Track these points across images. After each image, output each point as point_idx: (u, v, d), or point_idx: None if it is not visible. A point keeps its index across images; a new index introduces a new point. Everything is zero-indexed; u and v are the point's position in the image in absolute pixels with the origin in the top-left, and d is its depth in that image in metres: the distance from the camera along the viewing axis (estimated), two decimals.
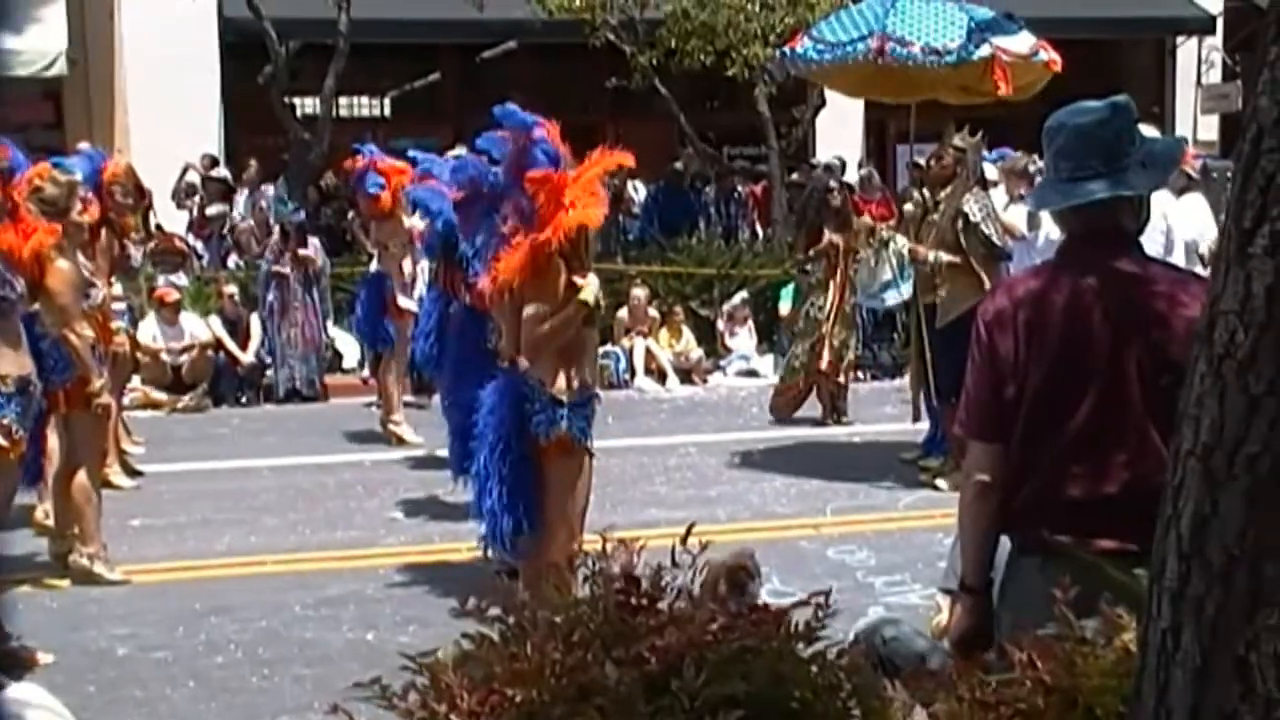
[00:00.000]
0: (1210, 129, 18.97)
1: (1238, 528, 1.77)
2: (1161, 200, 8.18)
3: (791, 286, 12.62)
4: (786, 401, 10.70)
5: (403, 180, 9.19)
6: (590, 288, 5.06)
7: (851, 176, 15.19)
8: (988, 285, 8.00)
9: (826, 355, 10.33)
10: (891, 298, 9.57)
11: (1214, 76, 19.11)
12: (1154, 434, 2.93)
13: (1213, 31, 18.89)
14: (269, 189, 14.93)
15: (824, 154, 16.55)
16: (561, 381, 5.09)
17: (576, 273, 5.06)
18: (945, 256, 8.29)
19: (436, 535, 7.55)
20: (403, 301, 9.88)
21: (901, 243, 8.94)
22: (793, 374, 10.61)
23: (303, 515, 8.14)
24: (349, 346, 12.87)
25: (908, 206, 9.17)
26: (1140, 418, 2.97)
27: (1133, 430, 2.98)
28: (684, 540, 3.57)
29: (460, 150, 9.79)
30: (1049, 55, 8.99)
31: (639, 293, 13.09)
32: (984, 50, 8.61)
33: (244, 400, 12.19)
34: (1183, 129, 18.75)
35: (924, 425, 9.09)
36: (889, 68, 8.79)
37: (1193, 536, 1.82)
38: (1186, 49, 19.32)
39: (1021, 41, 8.89)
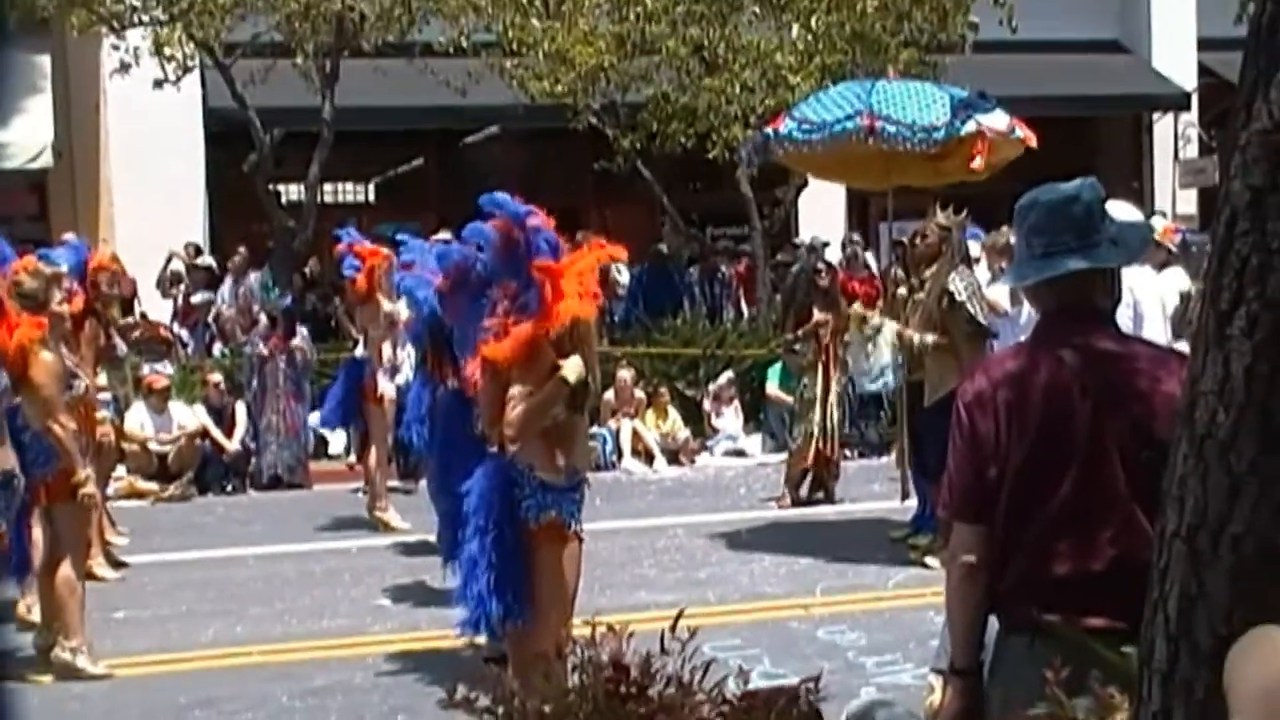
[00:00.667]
0: (1189, 203, 19.16)
1: (1224, 609, 1.77)
2: (1130, 276, 8.27)
3: (778, 366, 12.67)
4: (796, 481, 10.65)
5: (379, 263, 9.26)
6: (571, 367, 5.07)
7: (836, 255, 15.29)
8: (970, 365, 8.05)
9: (821, 435, 10.33)
10: (887, 380, 9.57)
11: (1191, 151, 19.35)
12: (1138, 510, 2.93)
13: (1188, 108, 19.14)
14: (254, 276, 14.97)
15: (806, 233, 16.66)
16: (551, 465, 5.08)
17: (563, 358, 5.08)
18: (930, 339, 8.32)
19: (425, 622, 7.48)
20: (383, 385, 9.88)
21: (893, 328, 8.96)
22: (796, 454, 10.59)
23: (289, 604, 8.07)
24: (334, 432, 12.85)
25: (901, 290, 9.20)
26: (1123, 494, 2.98)
27: (1116, 507, 2.98)
28: (673, 627, 3.55)
29: (445, 235, 9.87)
30: (1025, 132, 9.14)
31: (625, 374, 13.11)
32: (970, 126, 8.75)
33: (229, 488, 12.14)
34: (1162, 203, 18.93)
35: (913, 503, 9.07)
36: (864, 151, 8.90)
37: (1180, 618, 1.82)
38: (1163, 124, 19.56)
39: (999, 119, 9.02)
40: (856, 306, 10.41)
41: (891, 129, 8.64)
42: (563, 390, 5.06)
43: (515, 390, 5.02)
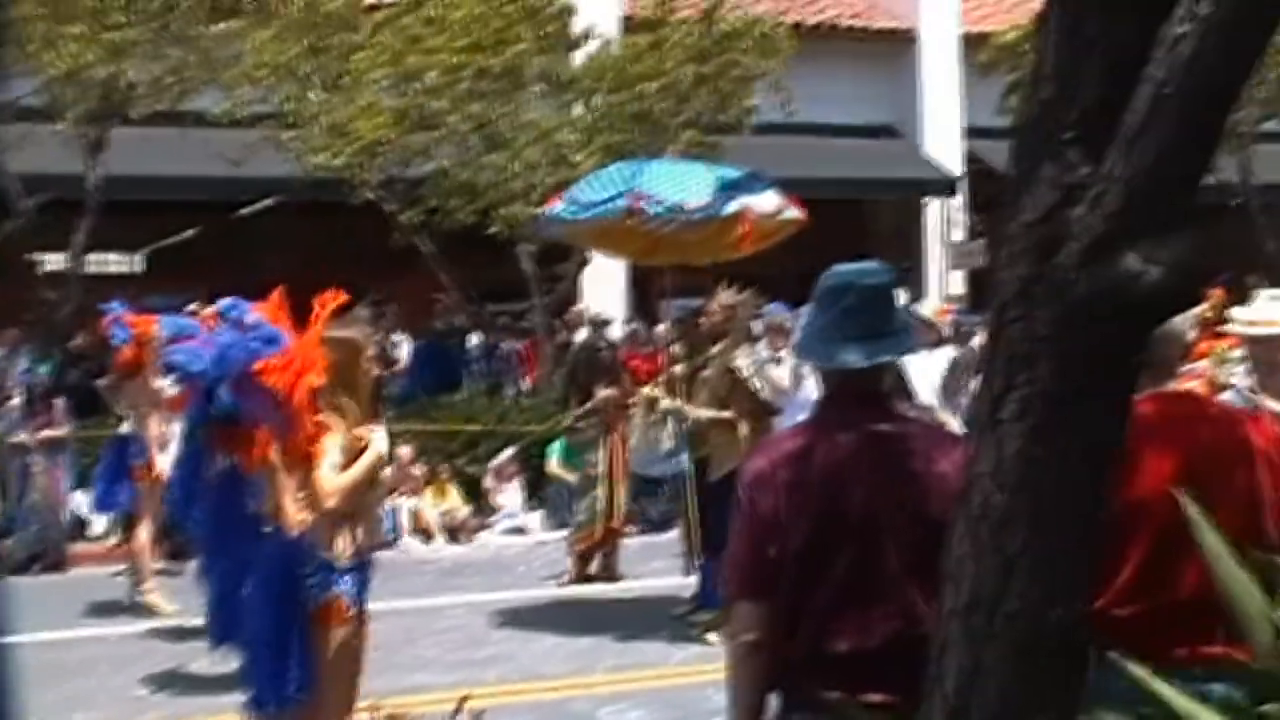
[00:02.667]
0: (958, 285, 19.97)
1: (1000, 684, 1.81)
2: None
3: (560, 442, 12.65)
4: (584, 557, 10.58)
5: (149, 332, 8.95)
6: (379, 438, 4.99)
7: (618, 332, 15.43)
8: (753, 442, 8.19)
9: (606, 510, 10.33)
10: (674, 467, 9.65)
11: (959, 235, 20.18)
12: (912, 588, 3.00)
13: (955, 192, 20.00)
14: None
15: (589, 309, 16.79)
16: (338, 544, 4.95)
17: (358, 421, 4.98)
18: (706, 414, 8.44)
19: (191, 711, 7.16)
20: (149, 461, 9.52)
21: (676, 406, 9.03)
22: (580, 530, 10.52)
23: (43, 696, 7.62)
24: (97, 513, 12.28)
25: (678, 368, 9.31)
26: (899, 573, 3.05)
27: (892, 585, 3.05)
28: (456, 711, 3.47)
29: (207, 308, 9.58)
30: (796, 213, 9.33)
31: (404, 451, 12.90)
32: (732, 207, 8.82)
33: None
34: (933, 285, 19.71)
35: (695, 579, 9.13)
36: (640, 229, 9.01)
37: (958, 694, 1.85)
38: (933, 208, 20.38)
39: (768, 200, 9.21)
40: (647, 390, 10.49)
41: (655, 209, 8.73)
42: (381, 460, 4.97)
43: (327, 461, 4.88)
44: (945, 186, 19.89)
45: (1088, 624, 1.88)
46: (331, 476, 4.89)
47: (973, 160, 19.51)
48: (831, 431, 3.16)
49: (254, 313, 4.93)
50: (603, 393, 10.38)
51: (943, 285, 19.81)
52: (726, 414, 8.43)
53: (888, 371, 3.25)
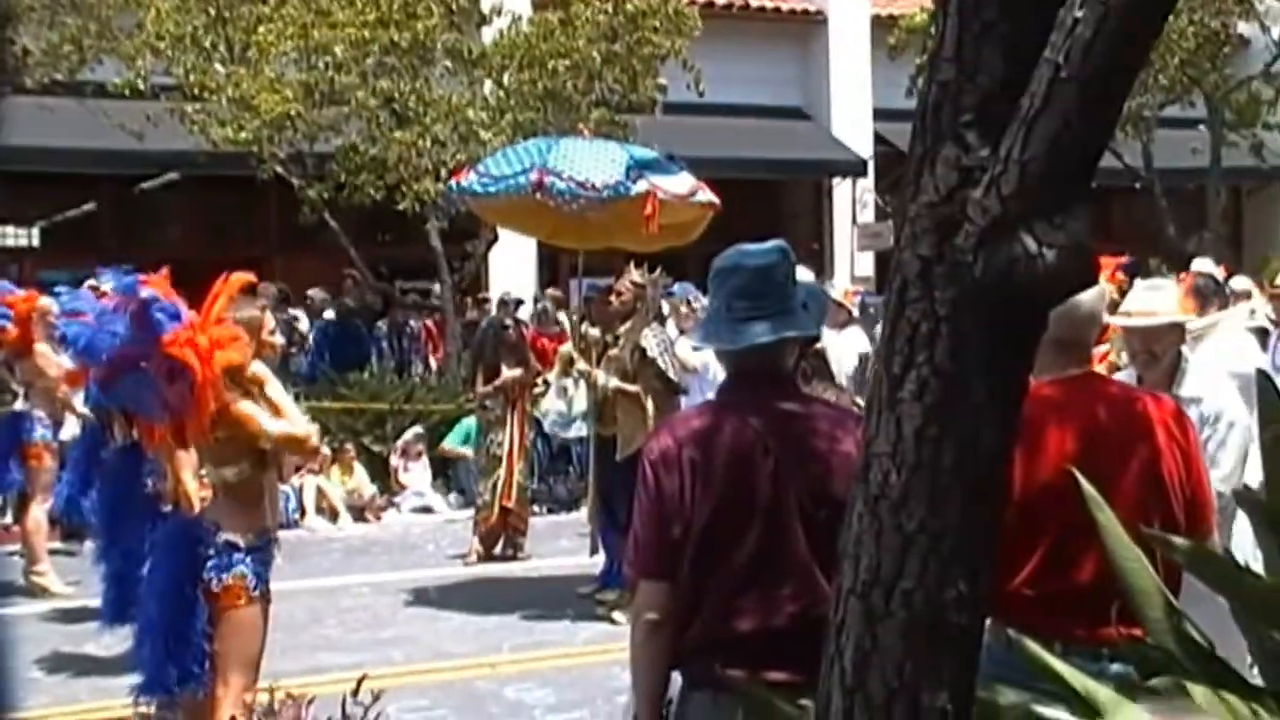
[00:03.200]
0: (867, 265, 20.15)
1: (896, 661, 1.82)
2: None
3: (471, 421, 12.57)
4: (486, 537, 10.54)
5: (32, 309, 8.76)
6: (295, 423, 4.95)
7: (527, 311, 15.37)
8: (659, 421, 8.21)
9: (509, 490, 10.30)
10: (577, 429, 9.67)
11: (868, 216, 20.36)
12: (816, 568, 3.03)
13: (864, 174, 20.17)
14: None
15: (497, 288, 16.71)
16: (239, 523, 4.88)
17: (261, 397, 4.91)
18: (615, 382, 8.47)
19: (85, 693, 7.04)
20: (43, 438, 9.32)
21: (589, 370, 9.03)
22: (484, 509, 10.49)
23: None
24: None
25: (592, 332, 9.30)
26: (803, 552, 3.07)
27: (796, 564, 3.07)
28: (355, 690, 3.43)
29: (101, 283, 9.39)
30: (709, 197, 9.31)
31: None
32: (640, 186, 8.73)
33: None
34: (841, 265, 19.87)
35: (601, 558, 9.15)
36: (546, 205, 8.92)
37: (855, 671, 1.87)
38: (842, 189, 20.54)
39: (681, 182, 9.18)
40: (565, 348, 10.47)
41: (561, 185, 8.64)
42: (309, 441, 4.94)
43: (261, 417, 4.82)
44: (855, 168, 20.06)
45: (984, 602, 1.90)
46: (275, 423, 4.82)
47: (881, 142, 19.68)
48: (737, 411, 3.17)
49: (148, 288, 4.82)
50: (508, 372, 10.35)
51: (852, 266, 19.99)
52: (633, 388, 8.45)
53: (787, 351, 3.25)
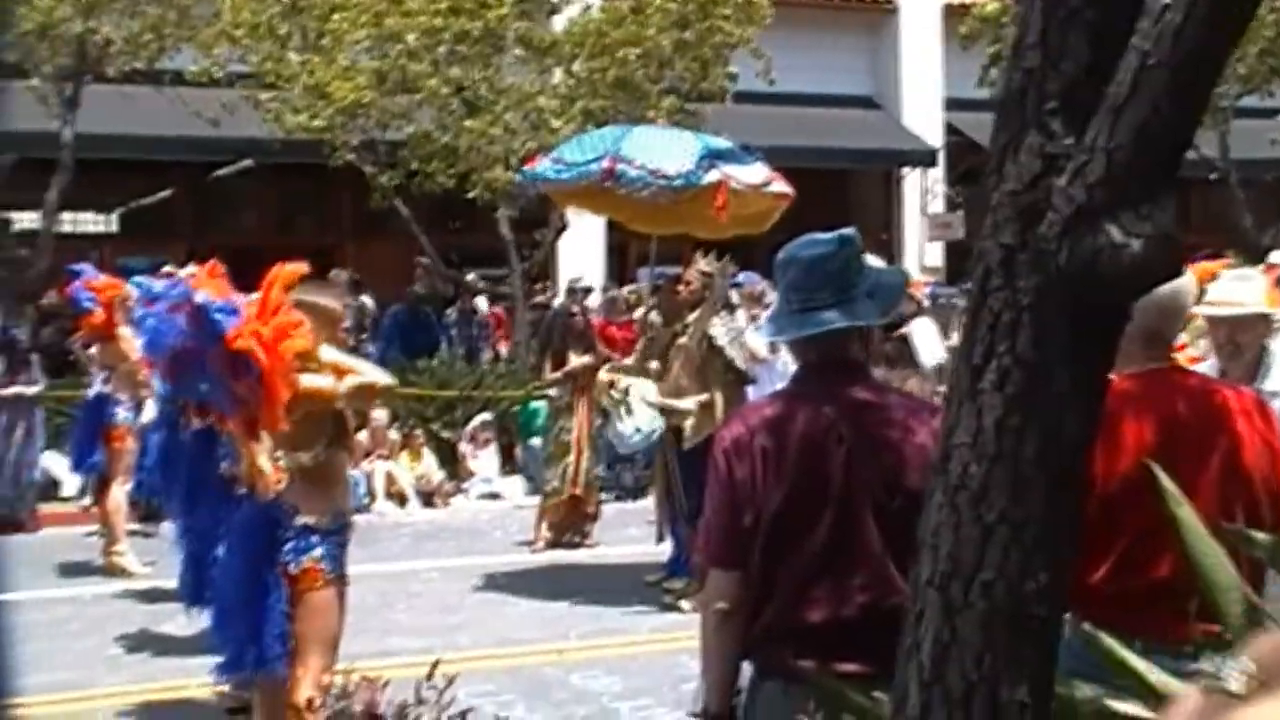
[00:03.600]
0: (936, 256, 20.01)
1: (975, 654, 1.81)
2: None
3: (538, 408, 12.62)
4: (554, 524, 10.59)
5: (117, 295, 8.89)
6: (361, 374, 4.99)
7: (596, 299, 15.41)
8: (728, 410, 8.20)
9: (577, 478, 10.34)
10: (638, 441, 9.65)
11: (937, 206, 20.21)
12: (888, 558, 3.01)
13: (934, 164, 20.01)
14: None
15: (566, 276, 16.75)
16: (316, 507, 4.93)
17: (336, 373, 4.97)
18: (691, 403, 8.42)
19: (163, 672, 7.15)
20: (125, 421, 9.47)
21: (642, 390, 9.00)
22: (553, 496, 10.54)
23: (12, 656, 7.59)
24: (68, 473, 12.22)
25: (653, 324, 9.30)
26: (875, 542, 3.05)
27: (868, 555, 3.06)
28: (429, 675, 3.46)
29: (193, 269, 9.51)
30: (782, 188, 9.26)
31: (380, 415, 12.88)
32: (712, 176, 8.71)
33: None
34: (910, 256, 19.73)
35: (668, 546, 9.16)
36: (617, 193, 8.92)
37: (933, 664, 1.85)
38: (912, 179, 20.40)
39: (754, 172, 9.14)
40: (602, 374, 10.48)
41: (632, 173, 8.64)
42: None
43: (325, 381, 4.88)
44: (924, 158, 19.90)
45: (1064, 595, 1.88)
46: (343, 382, 4.87)
47: (952, 132, 19.51)
48: (810, 400, 3.16)
49: (200, 290, 4.85)
50: (576, 360, 10.38)
51: (920, 257, 19.85)
52: (704, 396, 8.41)
53: (852, 338, 3.23)
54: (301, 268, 5.03)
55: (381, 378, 5.12)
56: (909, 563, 1.97)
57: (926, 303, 10.66)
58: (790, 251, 3.24)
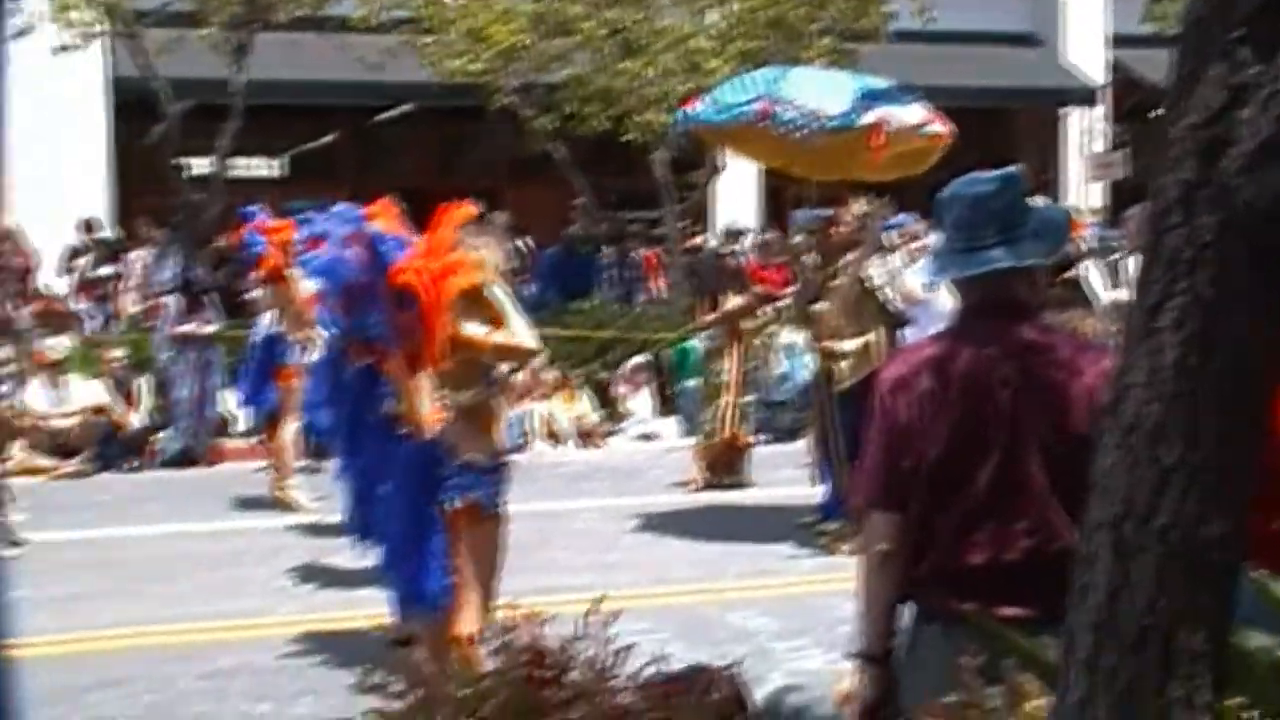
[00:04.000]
0: (1097, 197, 19.48)
1: (1149, 598, 1.78)
2: None
3: (692, 349, 12.67)
4: (709, 465, 10.65)
5: (287, 237, 9.11)
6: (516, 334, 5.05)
7: (751, 241, 15.35)
8: (882, 353, 8.12)
9: (730, 419, 10.38)
10: (789, 388, 9.69)
11: (1099, 146, 19.65)
12: (1054, 501, 2.95)
13: (1097, 102, 19.44)
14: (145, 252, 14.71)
15: (722, 218, 16.70)
16: (475, 445, 5.03)
17: (495, 321, 5.04)
18: (851, 345, 8.35)
19: (332, 603, 7.40)
20: (295, 360, 9.74)
21: (788, 334, 8.99)
22: (707, 437, 10.60)
23: (191, 585, 7.93)
24: (244, 410, 12.65)
25: (807, 267, 9.25)
26: (1040, 485, 3.00)
27: (1033, 498, 3.00)
28: (590, 612, 3.52)
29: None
30: (941, 129, 9.07)
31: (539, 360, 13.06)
32: (868, 117, 8.57)
33: (130, 466, 11.91)
34: (1071, 196, 19.22)
35: (824, 488, 9.13)
36: (772, 134, 8.83)
37: (1105, 608, 1.82)
38: (1073, 119, 19.85)
39: (913, 113, 8.96)
40: (748, 325, 10.47)
41: (787, 115, 8.54)
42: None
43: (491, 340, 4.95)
44: (1086, 96, 19.32)
45: (1243, 541, 1.83)
46: (495, 335, 4.95)
47: (1115, 69, 18.89)
48: (974, 341, 3.10)
49: (373, 222, 4.96)
50: (729, 302, 10.37)
51: (1081, 197, 19.32)
52: (861, 340, 8.33)
53: (1019, 280, 3.16)
54: (472, 209, 5.11)
55: (530, 342, 5.14)
56: (1075, 506, 1.94)
57: (1089, 244, 10.37)
58: (954, 189, 3.18)
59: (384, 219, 5.01)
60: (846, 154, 9.04)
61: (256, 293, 11.66)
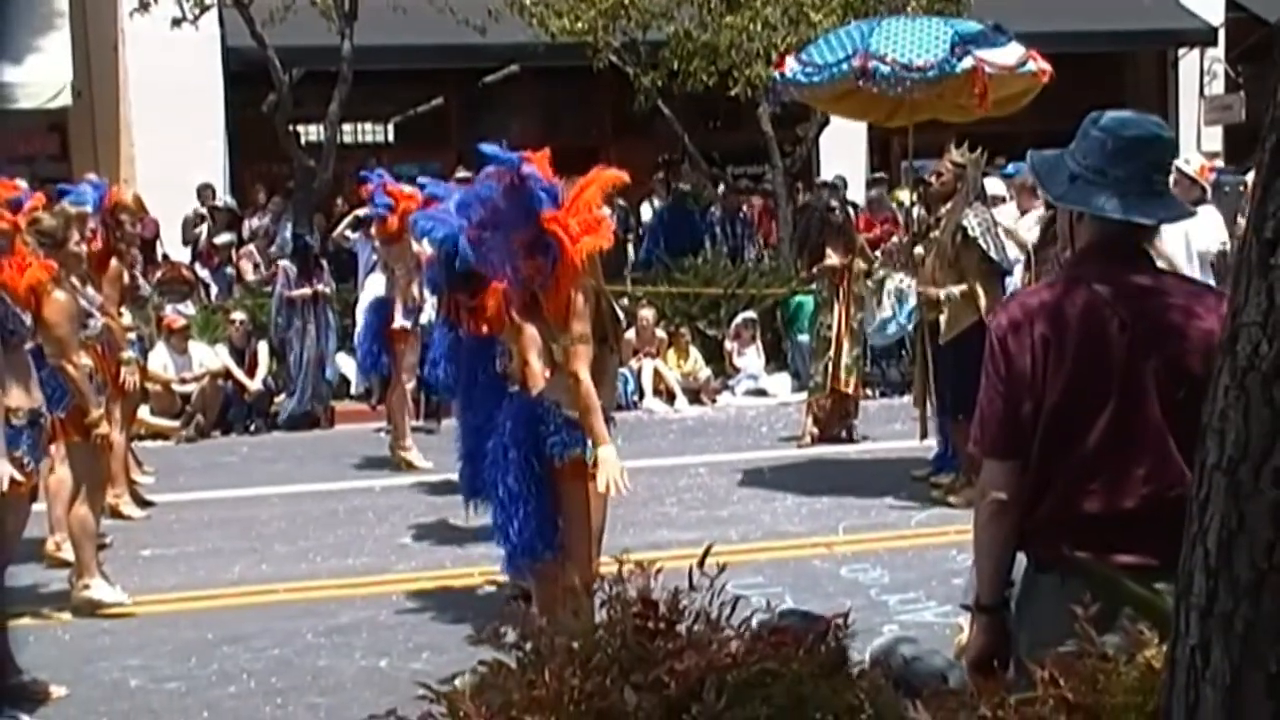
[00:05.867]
0: (1214, 140, 18.95)
1: (1266, 542, 1.74)
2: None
3: (804, 302, 12.59)
4: (819, 420, 10.61)
5: (411, 206, 9.20)
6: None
7: (859, 194, 15.20)
8: (984, 301, 8.04)
9: (839, 373, 10.33)
10: (893, 331, 9.64)
11: (1217, 88, 19.10)
12: (1172, 447, 2.90)
13: (1214, 43, 18.88)
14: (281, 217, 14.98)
15: (828, 172, 16.55)
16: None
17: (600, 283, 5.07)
18: (955, 291, 8.27)
19: (448, 560, 7.53)
20: (405, 323, 9.87)
21: (898, 279, 8.95)
22: (816, 392, 10.57)
23: (313, 543, 8.12)
24: (356, 372, 12.87)
25: (915, 221, 9.18)
26: (1158, 431, 2.94)
27: (1151, 444, 2.95)
28: (701, 562, 3.54)
29: (464, 174, 9.81)
30: (1038, 66, 8.93)
31: (646, 314, 13.09)
32: (966, 63, 8.53)
33: (252, 428, 12.19)
34: (1187, 140, 18.72)
35: (933, 441, 9.06)
36: (872, 91, 8.78)
37: (1219, 552, 1.79)
38: (1189, 60, 19.32)
39: (1009, 53, 8.85)
40: (861, 264, 10.39)
41: (885, 70, 8.50)
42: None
43: (576, 329, 4.95)
44: (1204, 36, 18.76)
45: None
46: (578, 351, 4.94)
47: (1233, 7, 18.30)
48: (1089, 285, 3.03)
49: (530, 164, 4.99)
50: (834, 255, 10.30)
51: (1197, 141, 18.80)
52: (962, 287, 8.23)
53: (1153, 230, 3.12)
54: (622, 175, 5.13)
55: (584, 351, 5.05)
56: (1194, 452, 1.90)
57: (1210, 188, 10.07)
58: (1150, 130, 3.06)
59: (540, 165, 5.04)
60: (944, 100, 8.98)
61: (354, 236, 11.80)
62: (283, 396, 12.47)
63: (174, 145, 15.34)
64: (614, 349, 5.27)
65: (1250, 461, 1.74)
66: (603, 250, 5.04)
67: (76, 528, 6.71)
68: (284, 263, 12.52)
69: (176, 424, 11.85)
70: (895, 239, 9.90)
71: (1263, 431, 1.73)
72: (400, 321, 9.82)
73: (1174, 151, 3.13)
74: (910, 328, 9.99)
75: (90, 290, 7.55)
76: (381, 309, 9.97)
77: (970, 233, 8.24)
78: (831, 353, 10.32)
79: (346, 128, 17.47)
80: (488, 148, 5.09)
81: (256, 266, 14.51)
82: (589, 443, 4.97)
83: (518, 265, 5.01)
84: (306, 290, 12.15)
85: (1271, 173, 1.73)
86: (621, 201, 15.60)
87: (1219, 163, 16.38)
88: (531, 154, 5.05)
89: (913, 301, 9.26)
